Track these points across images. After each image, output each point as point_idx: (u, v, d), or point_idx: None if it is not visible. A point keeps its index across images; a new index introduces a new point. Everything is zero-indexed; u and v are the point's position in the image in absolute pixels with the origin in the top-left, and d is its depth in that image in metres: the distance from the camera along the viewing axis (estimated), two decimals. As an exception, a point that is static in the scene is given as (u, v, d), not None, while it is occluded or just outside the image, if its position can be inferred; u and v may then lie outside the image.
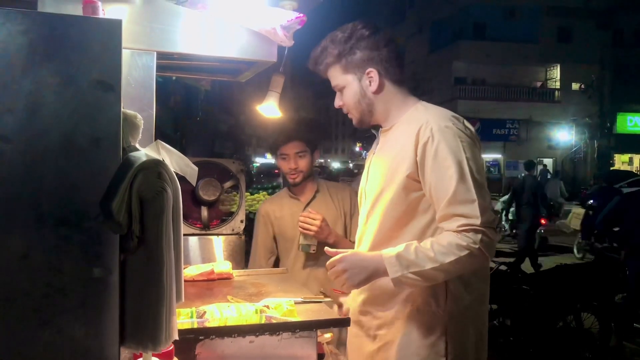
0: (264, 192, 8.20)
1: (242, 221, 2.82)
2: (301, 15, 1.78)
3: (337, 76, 1.73)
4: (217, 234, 2.77)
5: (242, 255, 2.86)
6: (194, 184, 1.14)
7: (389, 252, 1.56)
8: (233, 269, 2.24)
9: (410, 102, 1.73)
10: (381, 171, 1.71)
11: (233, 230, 2.81)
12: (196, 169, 1.19)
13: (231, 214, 2.81)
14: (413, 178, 1.60)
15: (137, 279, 1.04)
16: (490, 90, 27.33)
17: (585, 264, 4.80)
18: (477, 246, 1.49)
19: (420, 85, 27.77)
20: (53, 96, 0.99)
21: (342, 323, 1.74)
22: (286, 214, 2.61)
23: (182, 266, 1.11)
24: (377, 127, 1.79)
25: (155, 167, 1.03)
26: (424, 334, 1.63)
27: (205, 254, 2.73)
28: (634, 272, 5.02)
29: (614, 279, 4.76)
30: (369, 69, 1.69)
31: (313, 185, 2.65)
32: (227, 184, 2.88)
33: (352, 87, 1.72)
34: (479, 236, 1.49)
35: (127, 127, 1.08)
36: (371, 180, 1.77)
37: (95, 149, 1.01)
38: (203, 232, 2.74)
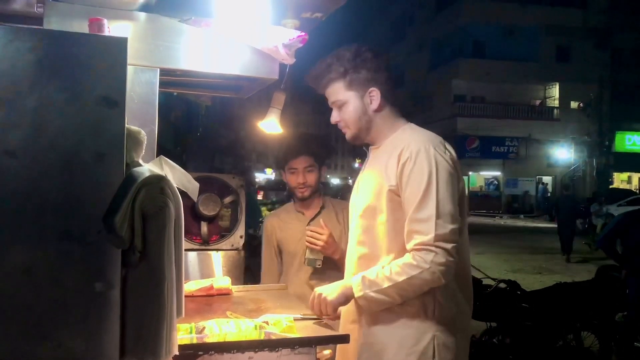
0: (264, 208, 8.20)
1: (241, 236, 2.81)
2: (303, 33, 1.81)
3: (339, 92, 1.78)
4: (217, 249, 2.75)
5: (241, 271, 2.85)
6: (195, 199, 1.15)
7: (356, 278, 1.68)
8: (232, 284, 2.24)
9: (400, 123, 1.81)
10: (369, 185, 1.78)
11: (232, 245, 2.79)
12: (197, 185, 1.20)
13: (229, 231, 2.82)
14: (395, 193, 1.68)
15: (139, 293, 1.04)
16: (489, 108, 27.43)
17: (586, 282, 4.77)
18: (427, 266, 1.56)
19: (420, 102, 27.95)
20: (58, 112, 1.00)
21: (341, 340, 1.73)
22: (290, 228, 2.61)
23: (183, 281, 1.10)
24: (367, 145, 1.88)
25: (158, 183, 1.04)
26: (414, 341, 1.69)
27: (204, 269, 2.72)
28: (634, 291, 5.00)
29: (615, 297, 4.74)
30: (372, 88, 1.77)
31: (319, 201, 2.66)
32: (227, 199, 2.88)
33: (354, 104, 1.78)
34: (431, 256, 1.57)
35: (131, 143, 1.09)
36: (360, 194, 1.84)
37: (99, 164, 1.02)
38: (202, 247, 2.73)
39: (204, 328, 1.57)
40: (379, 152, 1.82)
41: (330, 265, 2.37)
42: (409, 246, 1.63)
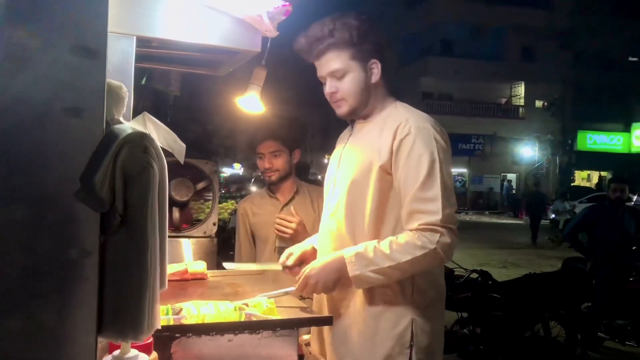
0: (232, 201, 8.13)
1: (214, 224, 2.74)
2: (287, 4, 1.74)
3: (340, 60, 1.73)
4: (188, 237, 2.69)
5: (214, 259, 2.79)
6: (181, 161, 1.09)
7: (349, 252, 1.64)
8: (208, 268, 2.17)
9: (391, 99, 1.79)
10: (355, 161, 1.74)
11: (205, 232, 2.73)
12: (184, 146, 1.14)
13: (198, 221, 2.73)
14: (385, 170, 1.66)
15: (119, 262, 0.97)
16: (456, 106, 27.90)
17: (553, 273, 4.87)
18: (433, 246, 1.55)
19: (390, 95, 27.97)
20: (31, 60, 0.92)
21: (324, 322, 1.69)
22: (263, 213, 2.58)
23: (167, 250, 1.05)
24: (344, 122, 1.90)
25: (141, 141, 0.97)
26: (391, 325, 1.67)
27: (175, 257, 2.64)
28: (599, 282, 5.13)
29: (580, 288, 4.85)
30: (374, 60, 1.74)
31: (292, 185, 2.63)
32: (200, 185, 2.81)
33: (357, 74, 1.74)
34: (437, 236, 1.55)
35: (111, 99, 1.02)
36: (343, 169, 1.80)
37: (76, 120, 0.95)
38: (173, 234, 2.66)
39: (180, 309, 1.52)
40: (366, 127, 1.79)
41: None
42: (410, 226, 1.60)
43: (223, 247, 2.85)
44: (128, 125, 1.02)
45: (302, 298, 1.95)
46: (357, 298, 1.73)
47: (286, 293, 1.78)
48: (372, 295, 1.70)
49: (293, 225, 2.36)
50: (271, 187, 2.63)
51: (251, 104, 2.10)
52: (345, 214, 1.75)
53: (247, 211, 2.63)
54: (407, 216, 1.62)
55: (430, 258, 1.57)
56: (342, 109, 1.77)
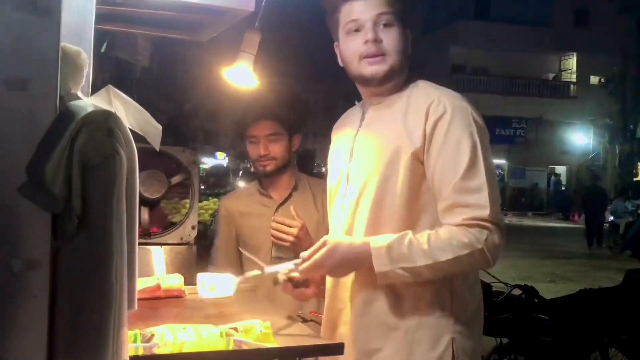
0: (215, 199, 8.13)
1: (193, 227, 2.73)
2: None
3: (391, 5, 1.79)
4: (160, 244, 2.68)
5: (193, 272, 2.78)
6: (157, 147, 1.07)
7: (379, 241, 1.66)
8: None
9: (410, 78, 1.84)
10: (376, 149, 1.77)
11: (182, 239, 2.71)
12: (159, 128, 1.12)
13: (173, 225, 2.73)
14: (418, 158, 1.69)
15: (76, 275, 0.96)
16: (493, 83, 27.84)
17: (613, 289, 4.83)
18: (480, 246, 1.59)
19: (409, 72, 27.91)
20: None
21: (334, 350, 1.67)
22: (253, 214, 2.55)
23: (137, 260, 1.05)
24: (358, 99, 1.94)
25: (104, 122, 0.96)
26: (428, 345, 1.71)
27: (144, 269, 2.61)
28: (671, 301, 5.09)
29: (646, 307, 4.82)
30: (406, 29, 1.82)
31: (290, 179, 2.60)
32: (175, 179, 2.80)
33: (400, 31, 1.80)
34: (485, 234, 1.60)
35: (67, 68, 1.00)
36: (360, 161, 1.82)
37: (21, 93, 0.94)
38: (142, 240, 2.64)
39: (152, 336, 1.51)
40: (383, 110, 1.82)
41: None
42: (452, 221, 1.64)
43: (204, 256, 2.82)
44: (88, 102, 1.00)
45: (303, 320, 1.96)
46: (382, 309, 1.75)
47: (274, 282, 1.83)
48: (402, 305, 1.73)
49: (294, 230, 2.33)
50: (263, 182, 2.60)
51: (241, 76, 2.08)
52: (370, 214, 1.76)
53: (232, 211, 2.60)
54: (446, 210, 1.66)
55: (475, 260, 1.62)
56: (381, 66, 1.77)
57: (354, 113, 1.96)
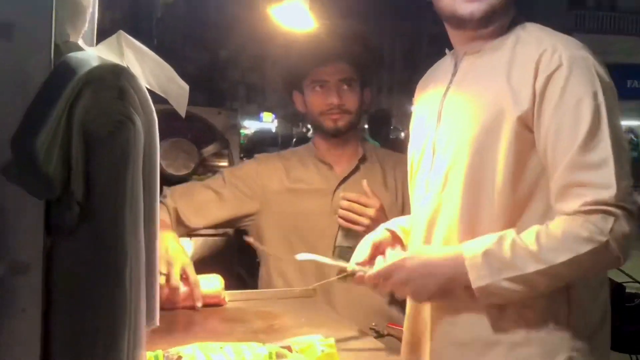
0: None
1: (232, 212, 2.74)
2: None
3: None
4: (189, 235, 2.72)
5: (233, 272, 2.82)
6: (182, 113, 1.05)
7: (473, 248, 1.66)
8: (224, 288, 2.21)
9: (516, 19, 1.83)
10: (471, 111, 1.78)
11: (216, 229, 2.75)
12: (186, 87, 1.11)
13: None
14: (525, 124, 1.69)
15: (78, 282, 0.94)
16: (624, 20, 27.09)
17: None
18: (605, 238, 1.56)
19: (514, 7, 27.52)
20: None
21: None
22: (305, 189, 2.53)
23: (158, 264, 1.04)
24: (449, 47, 1.94)
25: (114, 80, 0.94)
26: None
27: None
28: None
29: None
30: None
31: (357, 148, 2.60)
32: (209, 149, 2.85)
33: None
34: (610, 222, 1.56)
35: (65, 10, 0.98)
36: (449, 125, 1.83)
37: (4, 43, 0.92)
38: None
39: (179, 358, 1.53)
40: (482, 60, 1.82)
41: None
42: (567, 207, 1.62)
43: (245, 251, 2.83)
44: (92, 53, 0.97)
45: (377, 333, 1.97)
46: (476, 320, 1.74)
47: (343, 275, 1.84)
48: (503, 314, 1.71)
49: (371, 211, 2.31)
50: (321, 147, 2.59)
51: (294, 16, 2.08)
52: (463, 194, 1.75)
53: (276, 168, 2.58)
54: (560, 192, 1.64)
55: (600, 258, 1.59)
56: (481, 4, 1.76)
57: (443, 65, 1.96)
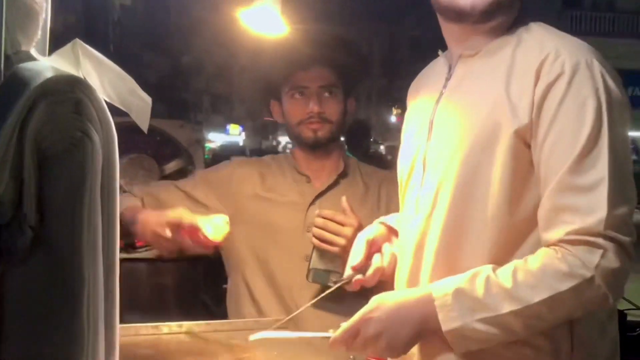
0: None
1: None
2: None
3: None
4: (148, 260, 2.73)
5: (198, 300, 2.82)
6: (144, 128, 1.05)
7: (443, 287, 1.62)
8: (181, 320, 2.22)
9: (520, 18, 1.79)
10: (461, 123, 1.73)
11: (180, 252, 2.75)
12: (149, 100, 1.10)
13: None
14: (523, 139, 1.64)
15: (30, 313, 0.95)
16: (623, 21, 27.40)
17: None
18: (589, 273, 1.51)
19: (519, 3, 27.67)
20: None
21: None
22: (280, 200, 2.52)
23: (117, 290, 1.03)
24: (442, 48, 1.91)
25: (70, 93, 0.94)
26: None
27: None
28: None
29: None
30: None
31: (338, 161, 2.57)
32: (172, 166, 2.85)
33: None
34: (597, 255, 1.51)
35: (15, 14, 0.98)
36: (441, 138, 1.78)
37: None
38: (122, 256, 2.66)
39: None
40: (479, 64, 1.77)
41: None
42: (551, 235, 1.56)
43: (211, 277, 2.82)
44: (46, 64, 0.98)
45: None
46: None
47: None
48: (499, 355, 1.65)
49: (348, 231, 2.26)
50: (300, 158, 2.56)
51: (265, 20, 2.09)
52: (451, 216, 1.71)
53: (251, 173, 2.56)
54: (546, 218, 1.59)
55: (584, 295, 1.53)
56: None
57: (436, 68, 1.92)
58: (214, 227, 2.16)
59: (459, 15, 1.74)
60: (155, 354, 2.03)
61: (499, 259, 1.63)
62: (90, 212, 0.97)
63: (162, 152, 2.78)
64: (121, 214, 2.48)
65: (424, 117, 1.84)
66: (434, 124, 1.80)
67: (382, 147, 16.06)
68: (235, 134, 37.88)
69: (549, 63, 1.62)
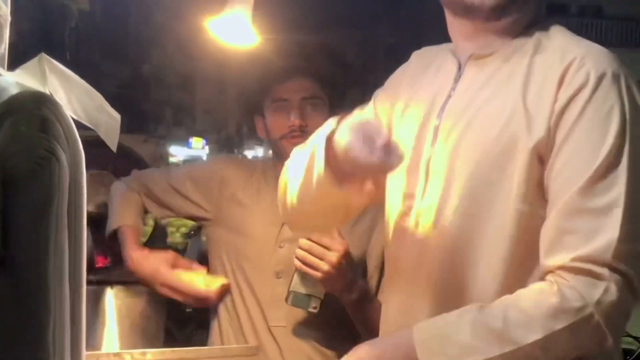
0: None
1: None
2: None
3: None
4: (110, 283, 2.72)
5: (161, 326, 2.81)
6: (113, 147, 1.08)
7: (426, 330, 1.58)
8: (148, 346, 2.27)
9: (539, 18, 1.75)
10: (473, 135, 1.68)
11: None
12: (118, 117, 1.13)
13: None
14: (540, 156, 1.58)
15: None
16: (610, 29, 27.61)
17: None
18: (588, 310, 1.45)
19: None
20: None
21: None
22: (259, 212, 2.53)
23: (84, 317, 1.05)
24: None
25: (35, 110, 0.97)
26: None
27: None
28: None
29: None
30: None
31: None
32: None
33: None
34: (599, 290, 1.46)
35: None
36: (445, 148, 1.71)
37: None
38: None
39: None
40: (492, 67, 1.73)
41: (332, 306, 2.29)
42: (553, 262, 1.51)
43: (176, 303, 2.83)
44: (10, 79, 1.01)
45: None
46: None
47: None
48: None
49: (333, 256, 2.24)
50: (281, 166, 2.54)
51: (234, 29, 2.12)
52: (453, 232, 1.67)
53: (236, 174, 2.58)
54: (550, 240, 1.53)
55: (581, 335, 1.48)
56: None
57: (440, 63, 1.84)
58: (206, 282, 2.28)
59: (468, 10, 1.68)
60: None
61: (511, 286, 1.59)
62: (57, 234, 0.98)
63: (124, 168, 2.78)
64: (119, 228, 2.51)
65: (426, 119, 1.77)
66: (439, 129, 1.73)
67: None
68: (198, 148, 37.50)
69: (572, 72, 1.57)
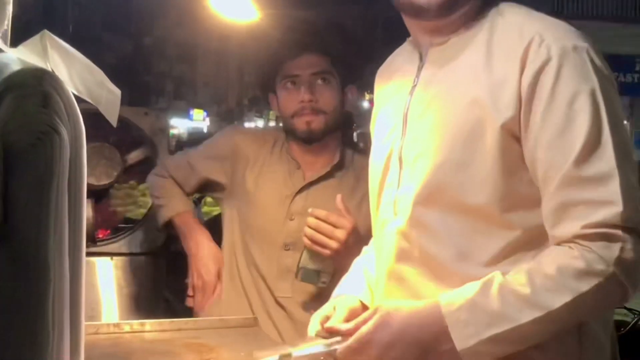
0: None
1: (159, 230, 2.74)
2: None
3: None
4: (110, 254, 2.76)
5: (159, 293, 2.81)
6: (114, 122, 1.07)
7: (452, 301, 1.56)
8: (147, 317, 2.28)
9: (488, 1, 1.75)
10: (440, 119, 1.70)
11: (142, 246, 2.81)
12: (118, 92, 1.12)
13: (130, 225, 2.81)
14: (511, 134, 1.60)
15: None
16: (604, 3, 27.52)
17: None
18: (610, 269, 1.48)
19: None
20: None
21: None
22: (269, 181, 2.55)
23: (83, 287, 1.05)
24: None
25: (37, 86, 0.96)
26: None
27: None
28: None
29: None
30: None
31: (334, 151, 2.58)
32: (134, 156, 2.86)
33: None
34: (616, 249, 1.48)
35: None
36: (415, 136, 1.74)
37: None
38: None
39: None
40: (453, 51, 1.74)
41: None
42: (563, 232, 1.53)
43: (174, 273, 2.83)
44: (12, 56, 0.99)
45: None
46: None
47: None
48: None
49: (341, 233, 2.26)
50: (295, 150, 2.58)
51: (234, 5, 2.08)
52: (430, 217, 1.68)
53: (248, 146, 2.62)
54: (554, 215, 1.56)
55: (606, 293, 1.51)
56: None
57: (405, 54, 1.89)
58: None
59: (417, 12, 1.71)
60: (117, 353, 2.02)
61: (492, 262, 1.61)
62: (57, 209, 0.98)
63: (125, 140, 2.78)
64: (172, 219, 2.61)
65: (396, 110, 1.82)
66: (408, 118, 1.77)
67: (354, 135, 15.92)
68: (199, 120, 37.40)
69: (533, 50, 1.58)
